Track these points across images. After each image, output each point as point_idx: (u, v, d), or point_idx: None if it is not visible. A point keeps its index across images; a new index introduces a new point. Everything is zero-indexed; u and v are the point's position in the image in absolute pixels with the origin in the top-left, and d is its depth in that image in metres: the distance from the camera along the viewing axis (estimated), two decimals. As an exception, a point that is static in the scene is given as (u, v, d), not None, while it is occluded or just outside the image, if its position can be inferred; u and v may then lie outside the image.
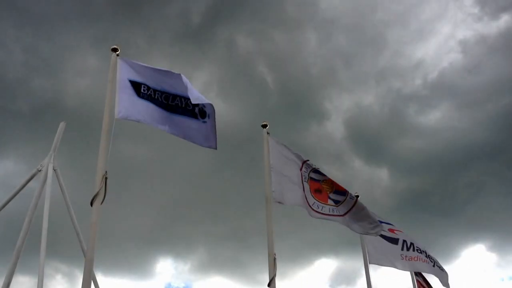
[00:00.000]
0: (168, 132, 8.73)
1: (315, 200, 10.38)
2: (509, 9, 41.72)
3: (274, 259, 9.35)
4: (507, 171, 38.88)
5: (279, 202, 10.06)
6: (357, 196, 10.50)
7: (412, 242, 13.40)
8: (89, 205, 7.41)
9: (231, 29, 42.34)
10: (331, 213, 10.32)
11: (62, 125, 14.19)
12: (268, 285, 9.12)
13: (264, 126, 10.78)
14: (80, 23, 37.89)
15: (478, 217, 38.44)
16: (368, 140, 41.73)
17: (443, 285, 13.48)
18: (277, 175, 10.26)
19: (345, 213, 10.25)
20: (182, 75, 8.73)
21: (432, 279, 15.12)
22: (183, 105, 8.83)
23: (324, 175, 10.50)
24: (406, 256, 13.15)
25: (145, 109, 8.47)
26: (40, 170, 13.66)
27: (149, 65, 8.88)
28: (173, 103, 8.79)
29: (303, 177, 10.45)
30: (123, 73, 8.58)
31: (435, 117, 42.34)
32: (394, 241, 13.38)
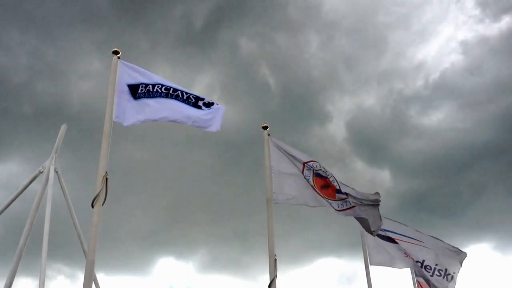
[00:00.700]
0: (169, 119, 8.81)
1: (322, 196, 10.37)
2: (511, 11, 41.73)
3: (275, 260, 9.38)
4: (510, 172, 38.80)
5: (280, 203, 10.09)
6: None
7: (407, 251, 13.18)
8: (90, 206, 7.46)
9: (234, 32, 42.47)
10: (340, 208, 10.21)
11: (63, 127, 14.24)
12: (269, 286, 9.15)
13: (265, 127, 10.82)
14: (83, 27, 38.06)
15: (481, 218, 38.41)
16: (370, 142, 41.75)
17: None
18: (278, 176, 10.30)
19: (354, 206, 10.12)
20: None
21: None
22: (185, 98, 8.97)
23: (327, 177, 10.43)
24: (410, 256, 13.04)
25: (141, 109, 8.57)
26: (41, 172, 13.70)
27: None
28: (174, 93, 8.93)
29: (306, 177, 10.43)
30: (122, 78, 8.68)
31: (437, 118, 42.34)
32: (395, 243, 13.33)
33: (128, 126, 8.37)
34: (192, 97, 8.96)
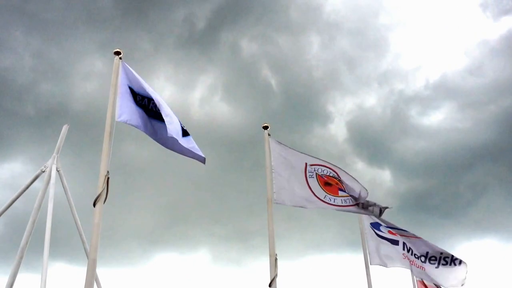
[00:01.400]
0: (159, 142, 8.84)
1: (326, 193, 10.40)
2: (511, 12, 41.73)
3: (275, 259, 9.41)
4: (510, 172, 38.82)
5: (280, 203, 10.13)
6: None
7: (411, 248, 13.24)
8: (92, 205, 7.52)
9: (236, 33, 42.59)
10: (343, 204, 10.29)
11: (65, 127, 14.31)
12: (269, 285, 9.18)
13: (265, 127, 10.84)
14: (87, 29, 38.21)
15: (481, 218, 38.41)
16: (371, 142, 41.84)
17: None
18: (278, 176, 10.34)
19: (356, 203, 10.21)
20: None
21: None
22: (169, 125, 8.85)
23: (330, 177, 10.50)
24: (407, 257, 13.11)
25: (141, 117, 8.63)
26: (43, 171, 13.78)
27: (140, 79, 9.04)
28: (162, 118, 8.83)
29: (308, 175, 10.47)
30: (124, 78, 8.74)
31: (438, 118, 42.41)
32: (395, 242, 13.39)
33: (131, 124, 8.41)
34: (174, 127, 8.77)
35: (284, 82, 43.35)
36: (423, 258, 12.61)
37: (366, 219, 13.75)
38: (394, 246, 13.20)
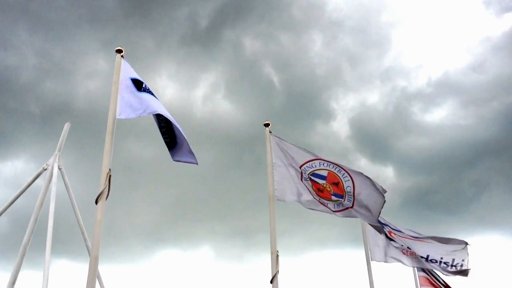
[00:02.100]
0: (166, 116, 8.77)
1: (319, 197, 10.45)
2: (513, 8, 41.63)
3: (277, 256, 9.44)
4: (512, 168, 38.79)
5: (281, 200, 10.17)
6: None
7: (410, 247, 13.23)
8: (94, 203, 7.54)
9: (238, 31, 42.61)
10: (336, 209, 10.34)
11: (67, 125, 14.34)
12: (271, 281, 9.21)
13: (267, 125, 10.87)
14: (90, 27, 38.28)
15: (484, 215, 38.40)
16: (373, 139, 41.86)
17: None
18: (279, 173, 10.38)
19: (350, 207, 10.22)
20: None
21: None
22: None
23: (322, 180, 10.50)
24: (407, 251, 13.11)
25: (145, 101, 8.58)
26: (45, 169, 13.82)
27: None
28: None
29: (303, 176, 10.52)
30: (126, 73, 8.73)
31: (440, 115, 42.39)
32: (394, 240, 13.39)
33: (131, 117, 8.42)
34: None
35: (287, 80, 43.44)
36: (423, 259, 12.60)
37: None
38: (395, 242, 13.20)
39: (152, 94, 8.83)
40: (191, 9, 41.85)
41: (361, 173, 10.19)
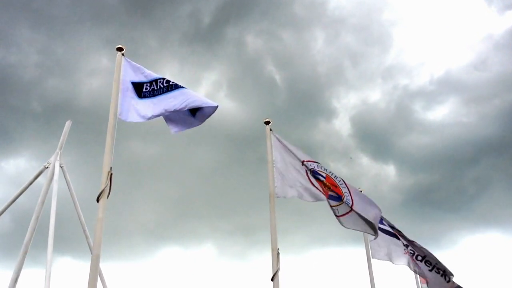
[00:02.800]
0: (174, 109, 8.62)
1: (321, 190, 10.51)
2: (515, 6, 41.57)
3: (278, 253, 9.45)
4: (515, 166, 38.76)
5: (282, 197, 10.18)
6: (361, 191, 10.55)
7: (410, 247, 13.26)
8: (96, 201, 7.58)
9: (241, 29, 42.66)
10: (338, 214, 10.44)
11: (68, 123, 14.36)
12: (272, 279, 9.22)
13: (267, 122, 10.87)
14: (93, 25, 38.32)
15: (485, 212, 38.39)
16: (375, 137, 41.85)
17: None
18: (279, 170, 10.40)
19: (344, 214, 10.33)
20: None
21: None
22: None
23: (323, 178, 10.55)
24: (407, 252, 13.13)
25: (146, 108, 8.57)
26: (47, 167, 13.84)
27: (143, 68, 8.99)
28: (173, 84, 8.72)
29: (308, 172, 10.56)
30: (126, 75, 8.75)
31: (442, 113, 42.36)
32: (396, 236, 13.42)
33: (130, 122, 8.44)
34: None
35: (289, 78, 43.45)
36: (420, 258, 12.63)
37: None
38: (397, 240, 13.22)
39: (155, 92, 8.76)
40: (194, 6, 41.92)
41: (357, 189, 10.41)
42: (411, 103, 41.83)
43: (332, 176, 10.45)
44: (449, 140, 40.34)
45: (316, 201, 10.50)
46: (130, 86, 8.72)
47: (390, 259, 13.28)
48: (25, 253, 12.87)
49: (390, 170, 42.35)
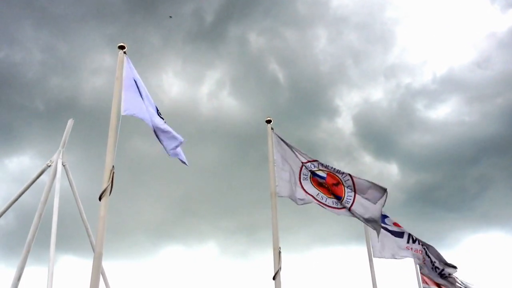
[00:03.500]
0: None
1: (319, 191, 10.47)
2: (519, 5, 41.46)
3: (279, 252, 9.45)
4: (517, 165, 38.69)
5: (283, 196, 10.19)
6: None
7: (418, 238, 13.37)
8: (98, 199, 7.60)
9: (244, 27, 42.69)
10: (334, 205, 10.39)
11: (70, 122, 14.37)
12: (273, 278, 9.23)
13: (268, 121, 10.84)
14: (96, 23, 38.40)
15: (487, 211, 38.36)
16: (378, 136, 41.83)
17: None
18: (280, 169, 10.40)
19: (349, 207, 10.28)
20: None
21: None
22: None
23: (322, 179, 10.59)
24: (412, 248, 13.16)
25: (146, 110, 8.65)
26: (49, 166, 13.86)
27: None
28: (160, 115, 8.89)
29: (303, 176, 10.58)
30: (129, 72, 8.77)
31: (444, 111, 42.32)
32: (399, 234, 13.43)
33: (137, 117, 8.45)
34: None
35: (291, 76, 43.48)
36: (425, 248, 12.74)
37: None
38: (399, 238, 13.24)
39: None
40: (197, 5, 41.99)
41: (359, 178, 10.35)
42: (413, 102, 41.85)
43: (335, 172, 10.41)
44: (451, 139, 40.35)
45: (303, 204, 10.56)
46: (133, 82, 8.75)
47: (392, 257, 13.29)
48: (28, 251, 12.90)
49: (392, 169, 42.38)
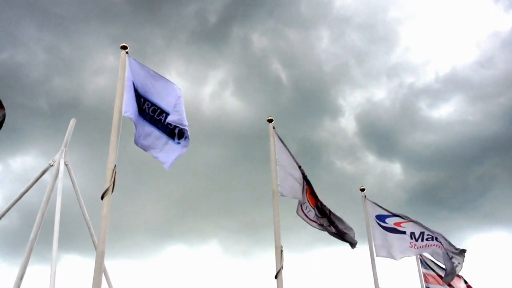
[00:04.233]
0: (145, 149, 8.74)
1: (306, 201, 10.64)
2: (523, 4, 41.38)
3: (281, 251, 9.47)
4: (520, 164, 38.62)
5: (285, 196, 10.23)
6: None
7: (422, 231, 13.35)
8: (100, 199, 7.63)
9: (247, 28, 42.72)
10: (314, 219, 10.68)
11: (72, 121, 14.40)
12: (275, 277, 9.25)
13: (270, 120, 10.83)
14: (99, 24, 38.45)
15: (491, 210, 38.29)
16: (381, 135, 41.82)
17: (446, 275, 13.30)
18: (282, 169, 10.42)
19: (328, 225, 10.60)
20: (178, 89, 8.73)
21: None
22: (165, 123, 8.64)
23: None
24: (415, 245, 13.15)
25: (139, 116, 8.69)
26: (52, 165, 13.89)
27: (147, 68, 8.96)
28: (157, 118, 8.75)
29: (303, 176, 10.70)
30: (130, 74, 8.79)
31: (447, 111, 42.25)
32: (401, 233, 13.44)
33: (133, 122, 8.48)
34: (170, 125, 8.58)
35: (294, 76, 43.51)
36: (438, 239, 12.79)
37: (372, 212, 13.80)
38: (402, 235, 13.24)
39: (142, 107, 8.81)
40: (200, 5, 42.03)
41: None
42: (416, 101, 41.79)
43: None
44: (454, 138, 40.28)
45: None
46: (132, 85, 8.76)
47: (395, 257, 13.30)
48: (31, 250, 12.93)
49: (395, 168, 42.37)
